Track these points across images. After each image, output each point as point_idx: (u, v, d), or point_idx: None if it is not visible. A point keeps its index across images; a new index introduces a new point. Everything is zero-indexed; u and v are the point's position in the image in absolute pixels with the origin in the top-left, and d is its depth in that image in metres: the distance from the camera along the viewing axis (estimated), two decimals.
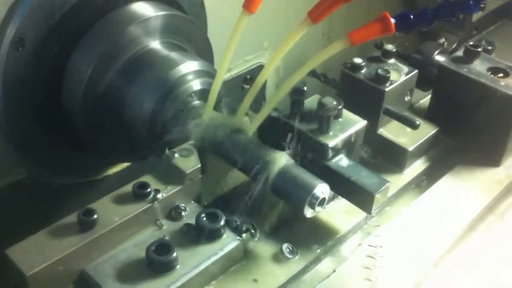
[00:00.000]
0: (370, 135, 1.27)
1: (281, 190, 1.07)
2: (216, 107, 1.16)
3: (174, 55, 1.19)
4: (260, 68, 1.64)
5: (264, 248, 1.13)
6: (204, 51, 1.32)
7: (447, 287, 1.16)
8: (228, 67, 1.34)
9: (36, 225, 0.98)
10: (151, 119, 1.15)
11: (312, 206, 1.04)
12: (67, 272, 0.94)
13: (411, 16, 1.03)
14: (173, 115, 1.15)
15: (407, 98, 1.39)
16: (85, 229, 0.95)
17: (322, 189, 1.04)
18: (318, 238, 1.17)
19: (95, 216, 0.96)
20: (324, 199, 1.05)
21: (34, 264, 0.90)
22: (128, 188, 1.03)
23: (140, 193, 1.01)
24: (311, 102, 1.21)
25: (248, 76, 1.62)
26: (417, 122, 1.28)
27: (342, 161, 1.16)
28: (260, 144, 1.11)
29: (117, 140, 1.23)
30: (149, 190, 1.02)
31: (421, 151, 1.37)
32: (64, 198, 1.29)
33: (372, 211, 1.15)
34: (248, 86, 1.62)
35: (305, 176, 1.06)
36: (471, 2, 1.02)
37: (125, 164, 1.38)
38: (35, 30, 1.09)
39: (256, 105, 1.17)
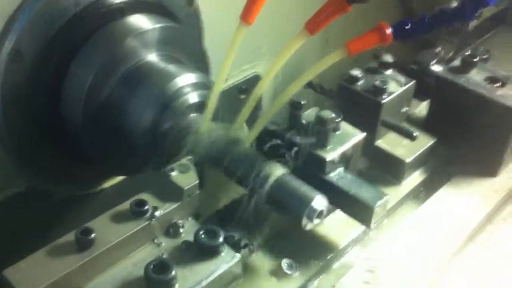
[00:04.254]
0: (367, 147, 1.27)
1: (279, 202, 1.06)
2: (213, 119, 1.15)
3: (171, 67, 1.18)
4: (255, 77, 1.63)
5: (262, 263, 1.12)
6: (200, 63, 1.32)
7: None
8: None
9: (34, 238, 0.97)
10: (149, 132, 1.15)
11: (310, 219, 1.04)
12: None
13: (408, 25, 1.03)
14: (171, 128, 1.14)
15: (404, 109, 1.38)
16: (83, 248, 0.94)
17: (320, 201, 1.04)
18: (317, 252, 1.16)
19: (93, 235, 0.95)
20: (322, 211, 1.04)
21: (32, 286, 0.88)
22: (125, 205, 1.02)
23: (138, 210, 1.00)
24: (309, 114, 1.20)
25: (243, 86, 1.62)
26: (415, 134, 1.28)
27: (340, 174, 1.16)
28: (258, 156, 1.11)
29: (117, 151, 1.23)
30: (147, 207, 1.01)
31: (418, 162, 1.37)
32: (62, 211, 1.28)
33: (371, 224, 1.15)
34: (244, 96, 1.61)
35: (302, 188, 1.06)
36: (468, 11, 1.02)
37: (121, 178, 1.38)
38: (33, 42, 1.09)
39: (252, 115, 1.16)
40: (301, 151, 1.15)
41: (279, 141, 1.14)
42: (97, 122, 1.16)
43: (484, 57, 1.52)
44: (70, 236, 0.96)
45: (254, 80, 1.61)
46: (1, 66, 1.07)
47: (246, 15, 1.06)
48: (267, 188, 1.06)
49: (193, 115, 1.17)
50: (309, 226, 1.05)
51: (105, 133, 1.18)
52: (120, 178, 1.37)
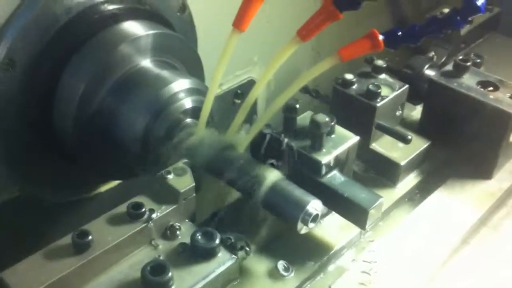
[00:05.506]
0: (362, 150, 1.28)
1: (274, 207, 1.07)
2: (208, 125, 1.16)
3: (165, 73, 1.19)
4: (250, 82, 1.64)
5: (259, 265, 1.12)
6: (195, 69, 1.33)
7: None
8: (219, 83, 1.34)
9: (29, 244, 0.97)
10: (143, 137, 1.15)
11: (305, 223, 1.04)
12: None
13: (399, 33, 1.04)
14: (165, 133, 1.15)
15: (398, 113, 1.40)
16: (80, 251, 0.95)
17: (315, 206, 1.04)
18: (313, 254, 1.17)
19: (90, 237, 0.95)
20: (317, 215, 1.05)
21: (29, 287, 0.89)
22: (122, 208, 1.02)
23: (135, 213, 1.01)
24: (303, 118, 1.21)
25: (239, 91, 1.62)
26: (409, 137, 1.29)
27: (335, 177, 1.16)
28: (253, 161, 1.11)
29: (110, 158, 1.23)
30: (143, 210, 1.01)
31: (413, 165, 1.38)
32: (56, 217, 1.28)
33: (366, 226, 1.15)
34: (239, 101, 1.62)
35: (297, 192, 1.06)
36: (458, 18, 1.04)
37: (117, 182, 1.38)
38: (26, 51, 1.09)
39: (247, 119, 1.17)
40: (295, 155, 1.16)
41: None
42: (90, 129, 1.16)
43: (477, 61, 1.54)
44: (67, 239, 0.96)
45: (249, 85, 1.61)
46: None
47: (239, 22, 1.07)
48: (262, 193, 1.06)
49: (187, 120, 1.17)
50: (304, 230, 1.06)
51: (98, 140, 1.18)
52: (115, 182, 1.37)
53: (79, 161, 1.21)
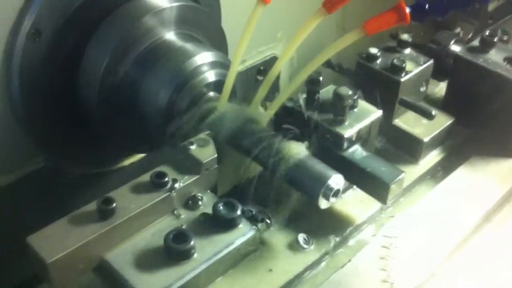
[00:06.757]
0: (385, 126, 1.26)
1: (295, 181, 1.07)
2: (231, 98, 1.16)
3: (189, 46, 1.19)
4: (273, 59, 1.64)
5: (279, 238, 1.13)
6: (218, 42, 1.33)
7: (463, 278, 1.16)
8: (242, 59, 1.34)
9: (53, 215, 0.99)
10: (166, 110, 1.16)
11: (327, 197, 1.04)
12: (87, 260, 0.95)
13: (426, 6, 1.03)
14: (188, 106, 1.16)
15: (422, 89, 1.38)
16: (104, 217, 0.96)
17: (336, 180, 1.04)
18: (333, 228, 1.17)
19: (114, 204, 0.97)
20: (338, 190, 1.05)
21: (54, 252, 0.91)
22: (146, 177, 1.03)
23: (158, 182, 1.02)
24: (326, 92, 1.21)
25: (262, 68, 1.62)
26: (433, 113, 1.27)
27: (357, 151, 1.16)
28: (275, 135, 1.11)
29: (133, 130, 1.24)
30: (166, 179, 1.02)
31: (436, 142, 1.37)
32: (80, 189, 1.30)
33: (387, 201, 1.15)
34: (262, 78, 1.62)
35: (319, 166, 1.06)
36: None
37: (140, 155, 1.39)
38: (51, 21, 1.10)
39: (270, 96, 1.17)
40: (318, 128, 1.16)
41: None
42: (114, 101, 1.17)
43: (504, 38, 1.51)
44: (92, 206, 0.98)
45: (272, 62, 1.61)
46: (20, 46, 1.08)
47: None
48: (283, 167, 1.06)
49: (210, 93, 1.18)
50: (325, 205, 1.06)
51: (121, 113, 1.19)
52: (139, 156, 1.39)
53: (102, 134, 1.23)
